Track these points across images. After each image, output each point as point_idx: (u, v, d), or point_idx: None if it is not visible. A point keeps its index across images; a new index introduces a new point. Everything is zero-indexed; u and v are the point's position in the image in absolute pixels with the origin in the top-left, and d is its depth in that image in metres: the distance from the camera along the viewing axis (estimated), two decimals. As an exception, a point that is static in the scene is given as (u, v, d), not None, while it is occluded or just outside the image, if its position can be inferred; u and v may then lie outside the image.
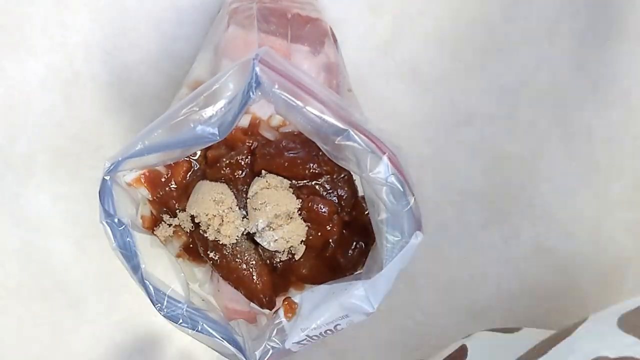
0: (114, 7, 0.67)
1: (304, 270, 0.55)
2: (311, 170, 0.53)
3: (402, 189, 0.47)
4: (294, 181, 0.54)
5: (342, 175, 0.54)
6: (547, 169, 0.69)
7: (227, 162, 0.53)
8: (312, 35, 0.58)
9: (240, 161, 0.53)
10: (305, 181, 0.54)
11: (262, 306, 0.54)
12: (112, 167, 0.47)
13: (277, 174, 0.53)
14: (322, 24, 0.60)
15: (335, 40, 0.60)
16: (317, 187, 0.54)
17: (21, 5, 0.67)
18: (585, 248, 0.69)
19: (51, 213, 0.68)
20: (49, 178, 0.67)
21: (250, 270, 0.53)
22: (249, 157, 0.54)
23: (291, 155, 0.53)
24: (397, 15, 0.67)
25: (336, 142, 0.47)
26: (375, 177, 0.47)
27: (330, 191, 0.54)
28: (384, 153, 0.47)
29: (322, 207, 0.53)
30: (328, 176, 0.54)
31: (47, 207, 0.68)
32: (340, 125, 0.47)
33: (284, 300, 0.52)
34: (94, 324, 0.69)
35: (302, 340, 0.50)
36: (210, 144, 0.47)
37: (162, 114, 0.64)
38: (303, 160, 0.53)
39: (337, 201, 0.54)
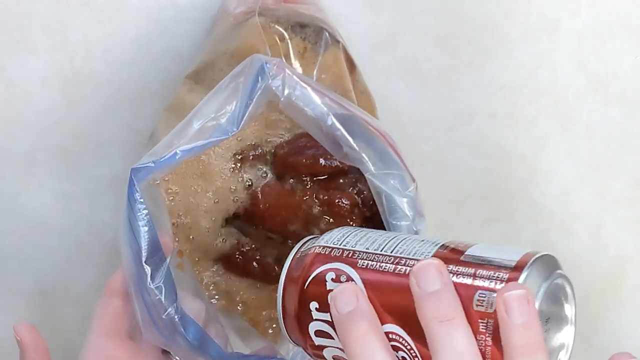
0: (114, 5, 0.67)
1: None
2: (333, 166, 0.54)
3: (403, 176, 0.49)
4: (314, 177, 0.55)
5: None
6: (547, 167, 0.69)
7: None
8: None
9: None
10: (325, 176, 0.55)
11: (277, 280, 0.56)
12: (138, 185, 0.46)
13: (298, 172, 0.54)
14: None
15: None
16: (337, 181, 0.55)
17: (21, 3, 0.67)
18: (586, 246, 0.69)
19: (51, 211, 0.68)
20: (49, 176, 0.67)
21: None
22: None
23: (312, 152, 0.53)
24: (398, 12, 0.67)
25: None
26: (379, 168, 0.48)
27: (351, 186, 0.55)
28: (386, 140, 0.48)
29: (344, 200, 0.54)
30: (348, 171, 0.55)
31: (48, 205, 0.67)
32: (345, 112, 0.47)
33: None
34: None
35: None
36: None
37: (162, 112, 0.64)
38: (324, 156, 0.53)
39: (357, 195, 0.55)
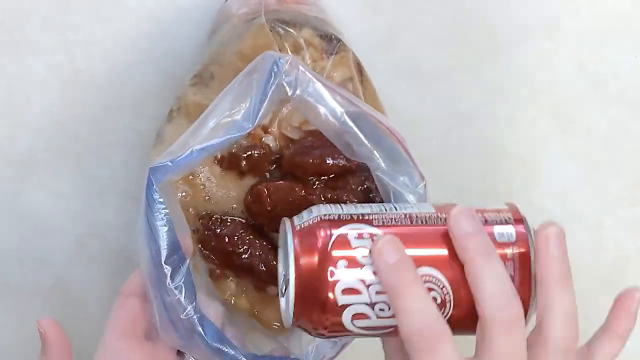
0: (114, 5, 0.67)
1: None
2: (340, 165, 0.54)
3: (413, 174, 0.49)
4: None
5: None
6: (546, 168, 0.69)
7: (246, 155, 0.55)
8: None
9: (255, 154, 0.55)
10: (332, 175, 0.55)
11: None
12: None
13: (305, 172, 0.54)
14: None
15: None
16: (345, 180, 0.55)
17: (21, 3, 0.67)
18: (586, 246, 0.69)
19: (51, 211, 0.67)
20: (49, 176, 0.67)
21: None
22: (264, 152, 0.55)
23: (319, 152, 0.53)
24: (397, 13, 0.67)
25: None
26: (389, 166, 0.48)
27: (359, 184, 0.55)
28: (396, 137, 0.48)
29: (351, 199, 0.54)
30: (356, 170, 0.55)
31: (47, 205, 0.67)
32: (356, 110, 0.48)
33: None
34: (94, 323, 0.69)
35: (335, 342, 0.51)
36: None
37: (163, 112, 0.64)
38: (332, 155, 0.54)
39: (365, 194, 0.55)
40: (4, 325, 0.69)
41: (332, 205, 0.44)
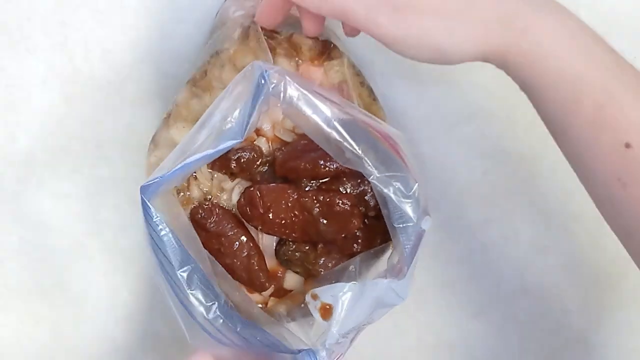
0: (114, 5, 0.67)
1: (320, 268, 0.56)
2: (333, 168, 0.54)
3: (407, 178, 0.49)
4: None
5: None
6: (547, 168, 0.69)
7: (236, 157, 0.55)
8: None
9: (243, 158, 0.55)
10: (326, 179, 0.55)
11: (262, 288, 0.55)
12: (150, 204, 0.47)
13: (299, 176, 0.54)
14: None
15: None
16: (339, 183, 0.55)
17: (21, 3, 0.67)
18: (586, 246, 0.69)
19: (51, 211, 0.68)
20: (49, 176, 0.67)
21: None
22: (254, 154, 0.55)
23: (312, 156, 0.53)
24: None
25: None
26: (382, 171, 0.48)
27: (354, 187, 0.55)
28: (388, 142, 0.48)
29: (344, 201, 0.54)
30: (350, 172, 0.55)
31: (47, 205, 0.68)
32: (346, 117, 0.48)
33: (320, 304, 0.52)
34: (94, 323, 0.69)
35: (339, 340, 0.51)
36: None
37: (163, 113, 0.64)
38: (324, 159, 0.53)
39: (360, 196, 0.55)
40: (4, 325, 0.69)
41: None
